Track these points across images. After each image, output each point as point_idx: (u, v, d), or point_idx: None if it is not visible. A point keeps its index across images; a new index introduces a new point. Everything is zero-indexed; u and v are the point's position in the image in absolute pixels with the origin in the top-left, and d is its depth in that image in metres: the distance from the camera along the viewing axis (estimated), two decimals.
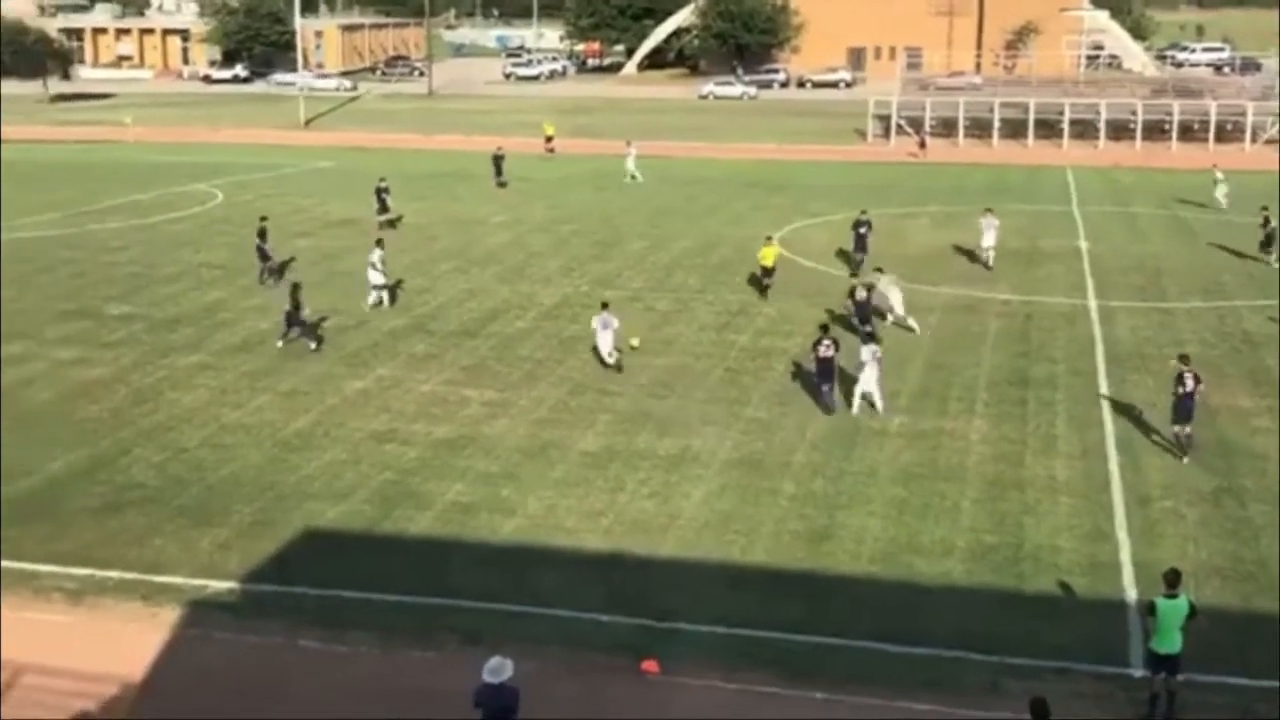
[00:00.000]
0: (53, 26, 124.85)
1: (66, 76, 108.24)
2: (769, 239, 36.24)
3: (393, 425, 24.90)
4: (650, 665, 15.96)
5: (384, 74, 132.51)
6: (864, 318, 30.21)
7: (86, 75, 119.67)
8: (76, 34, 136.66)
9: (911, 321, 31.08)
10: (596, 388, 27.11)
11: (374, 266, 34.03)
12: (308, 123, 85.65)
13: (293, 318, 29.99)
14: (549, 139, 71.16)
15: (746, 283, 36.19)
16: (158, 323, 32.40)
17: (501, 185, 55.97)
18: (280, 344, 29.90)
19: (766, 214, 48.69)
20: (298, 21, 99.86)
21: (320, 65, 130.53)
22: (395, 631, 16.81)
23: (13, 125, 79.63)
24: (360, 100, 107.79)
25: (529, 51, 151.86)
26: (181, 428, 24.71)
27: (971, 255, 40.02)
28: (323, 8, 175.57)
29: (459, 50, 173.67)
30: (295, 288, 30.44)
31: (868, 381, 25.20)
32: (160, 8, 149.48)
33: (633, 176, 58.29)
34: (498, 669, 13.15)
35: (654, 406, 25.99)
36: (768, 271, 34.95)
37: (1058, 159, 66.79)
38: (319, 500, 21.29)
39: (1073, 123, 72.58)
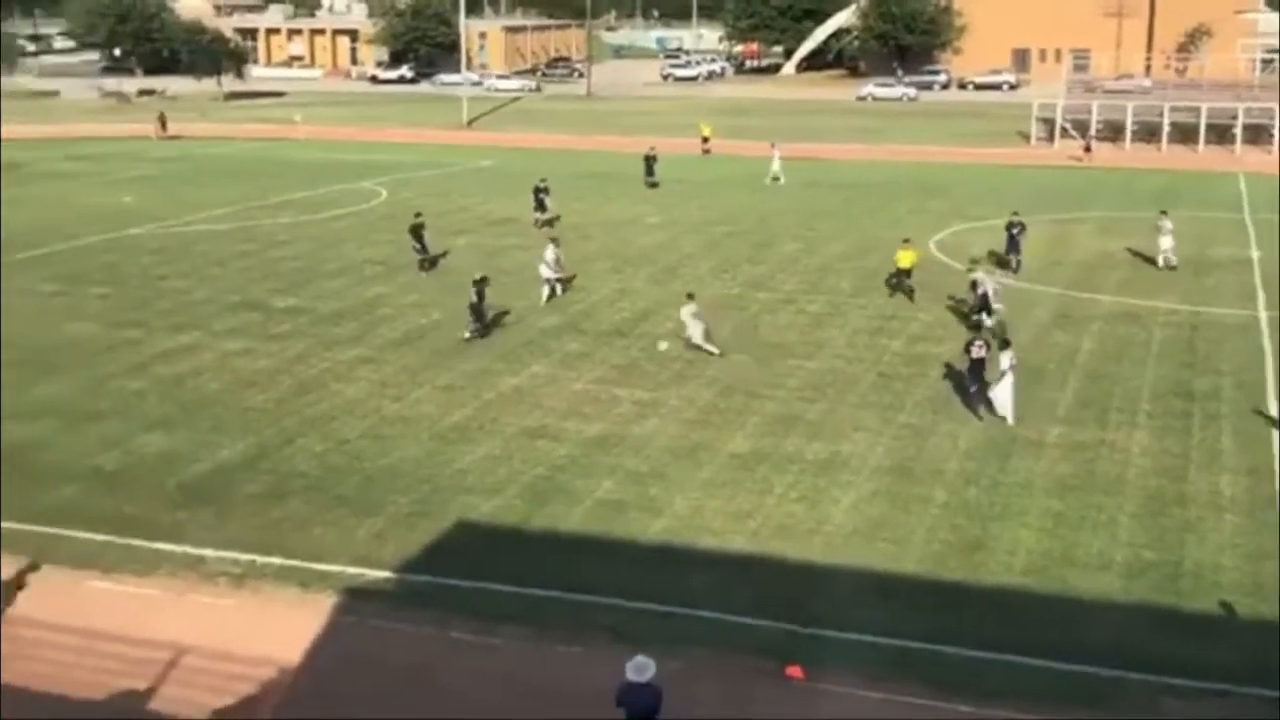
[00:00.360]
0: (228, 26, 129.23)
1: (240, 75, 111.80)
2: (906, 241, 35.85)
3: (545, 422, 25.23)
4: (795, 670, 15.90)
5: (544, 75, 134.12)
6: (984, 308, 31.14)
7: (259, 74, 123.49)
8: (250, 34, 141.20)
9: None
10: (746, 390, 27.08)
11: (546, 263, 34.88)
12: (470, 123, 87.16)
13: (477, 310, 30.78)
14: (705, 140, 71.27)
15: (898, 287, 35.76)
16: (322, 316, 33.33)
17: (652, 185, 56.22)
18: (467, 336, 30.74)
19: (924, 217, 48.05)
20: (462, 23, 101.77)
21: (484, 66, 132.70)
22: (544, 625, 17.04)
23: (189, 122, 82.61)
24: (521, 101, 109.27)
25: (687, 53, 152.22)
26: (343, 419, 25.39)
27: (1138, 262, 38.94)
28: (487, 9, 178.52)
29: (618, 52, 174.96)
30: (482, 280, 31.26)
31: (1003, 390, 24.77)
32: (331, 9, 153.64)
33: (775, 178, 57.97)
34: (642, 668, 13.25)
35: (804, 410, 25.86)
36: (905, 274, 34.69)
37: (1230, 165, 64.55)
38: (473, 494, 21.68)
39: (1246, 128, 70.09)
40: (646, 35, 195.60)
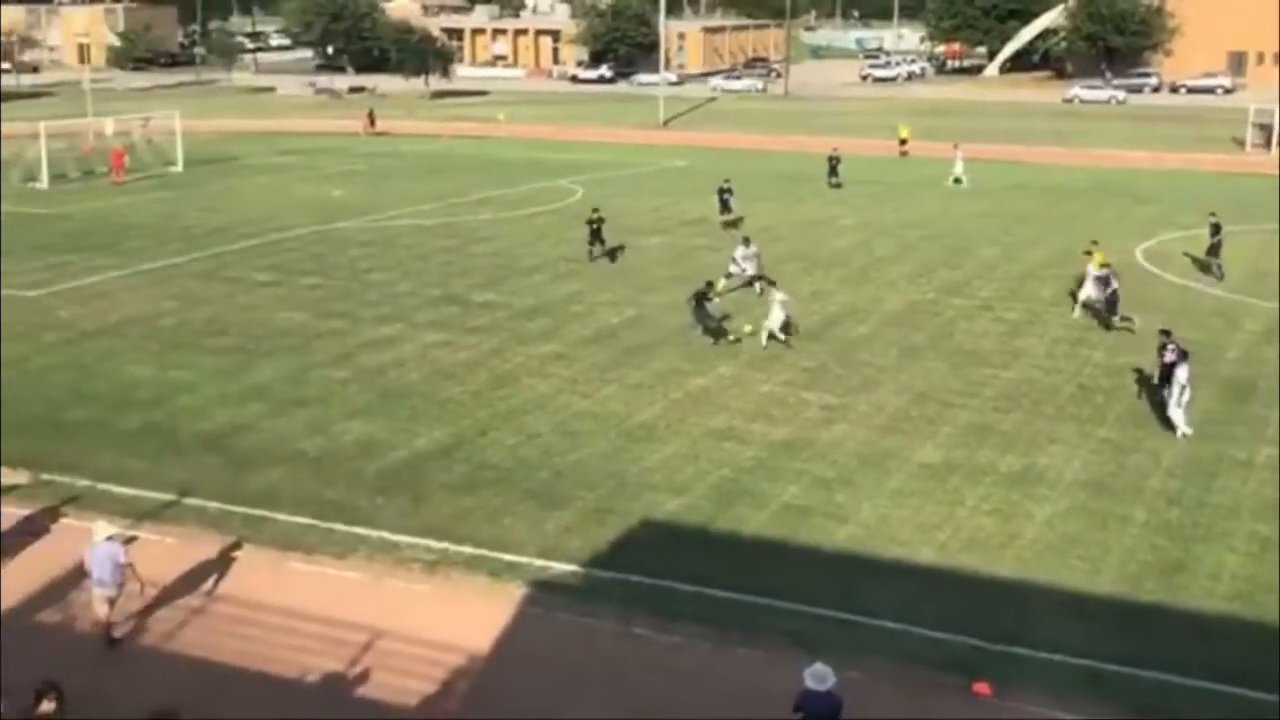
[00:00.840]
0: (435, 26, 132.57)
1: (446, 74, 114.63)
2: (1094, 243, 34.83)
3: (731, 423, 25.25)
4: (982, 687, 15.59)
5: (741, 76, 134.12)
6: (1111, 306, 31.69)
7: (464, 73, 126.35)
8: (457, 34, 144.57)
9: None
10: (939, 399, 26.64)
11: (735, 260, 35.40)
12: (666, 122, 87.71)
13: (700, 311, 30.78)
14: (903, 142, 70.35)
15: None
16: (518, 312, 33.97)
17: (835, 186, 55.75)
18: (698, 332, 30.81)
19: (1130, 224, 46.56)
20: (662, 23, 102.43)
21: (682, 66, 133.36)
22: (724, 626, 17.06)
23: (396, 120, 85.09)
24: (717, 101, 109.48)
25: (887, 53, 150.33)
26: (535, 413, 25.85)
27: None
28: (686, 10, 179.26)
29: (817, 52, 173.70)
30: (708, 286, 31.31)
31: (1178, 401, 24.00)
32: (534, 9, 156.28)
33: (957, 180, 57.02)
34: (822, 676, 13.20)
35: (998, 420, 25.32)
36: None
37: None
38: (658, 492, 21.84)
39: None
40: (845, 35, 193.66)
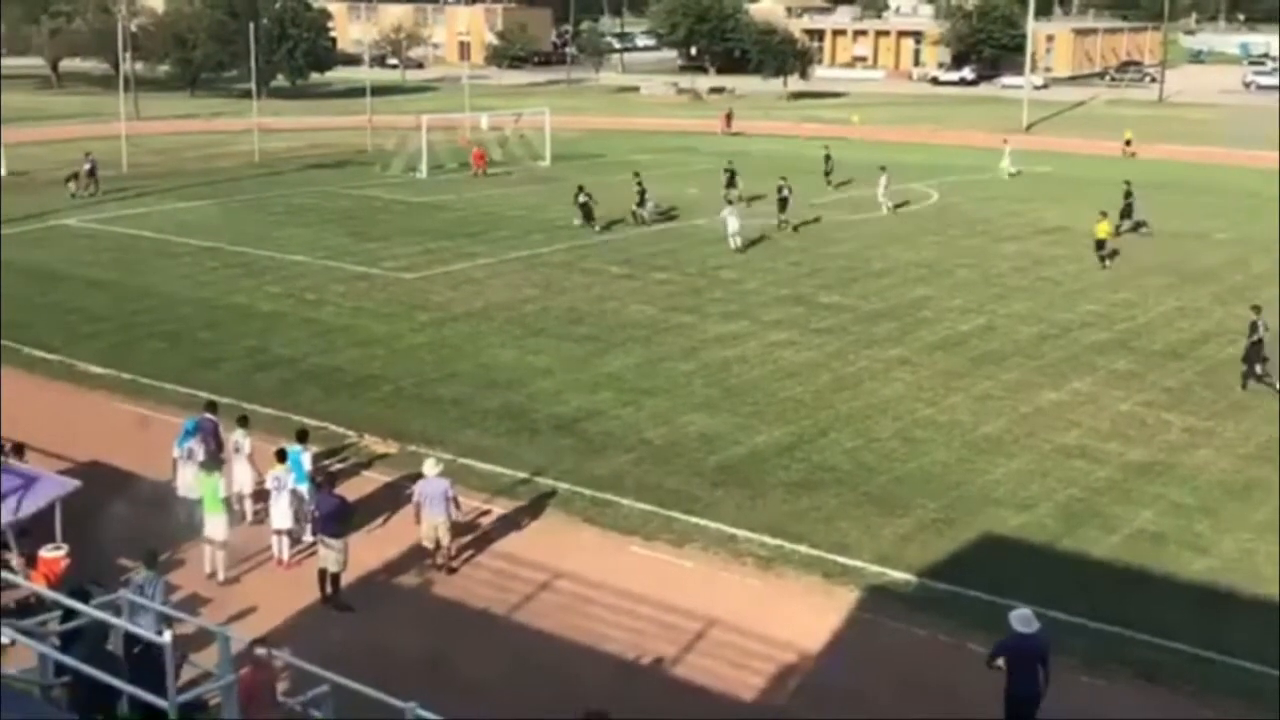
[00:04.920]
0: (797, 27, 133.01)
1: (805, 75, 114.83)
2: None
3: (1084, 441, 24.29)
4: None
5: (1113, 80, 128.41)
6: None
7: (822, 74, 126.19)
8: (818, 35, 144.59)
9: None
10: None
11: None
12: (1029, 127, 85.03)
13: (1253, 357, 27.45)
14: None
15: None
16: (864, 315, 33.75)
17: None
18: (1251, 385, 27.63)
19: None
20: (1029, 25, 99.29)
21: (1048, 70, 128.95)
22: (1065, 652, 16.42)
23: (752, 120, 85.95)
24: (1086, 106, 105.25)
25: (1273, 59, 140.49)
26: (876, 417, 25.63)
27: None
28: (1056, 11, 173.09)
29: (1197, 57, 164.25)
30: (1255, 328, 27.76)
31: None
32: (897, 10, 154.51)
33: (1009, 174, 58.73)
34: (1028, 620, 14.07)
35: None
36: None
37: None
38: (1002, 506, 21.27)
39: None
40: (1229, 40, 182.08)
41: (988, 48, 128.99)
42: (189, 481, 20.07)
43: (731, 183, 51.08)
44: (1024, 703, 14.09)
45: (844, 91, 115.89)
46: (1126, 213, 44.70)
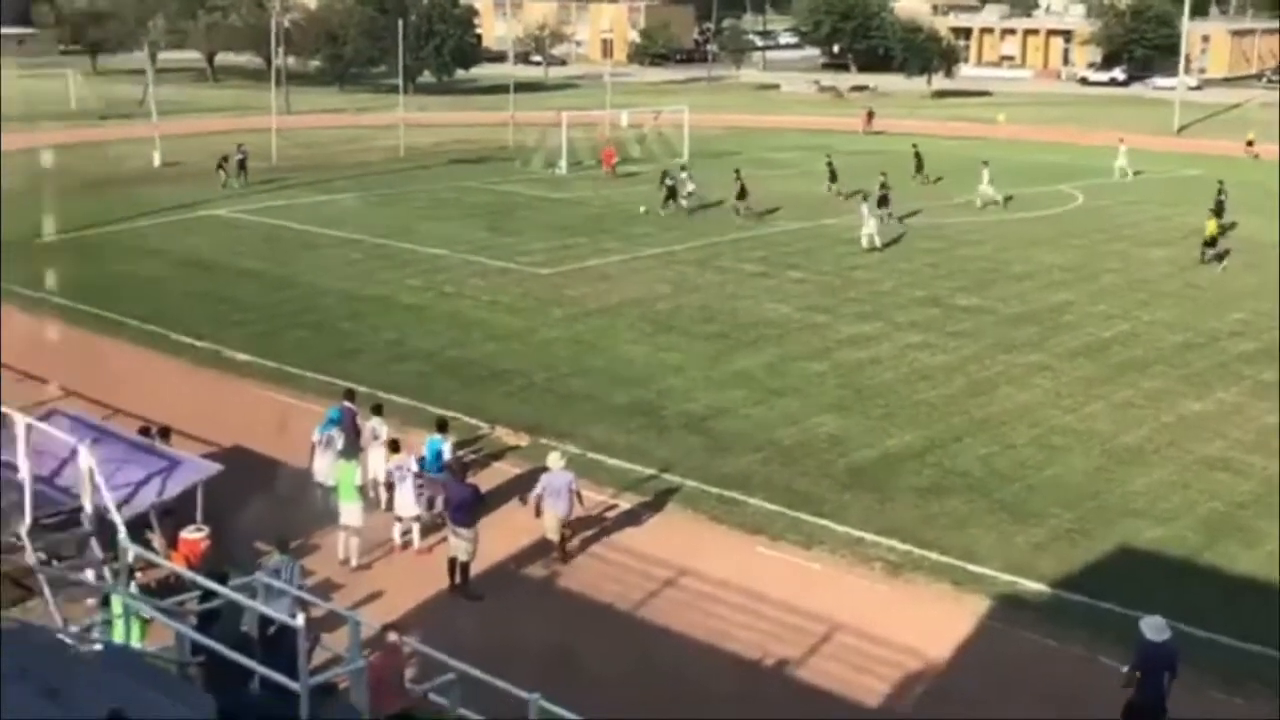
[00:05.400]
0: (943, 25, 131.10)
1: (949, 74, 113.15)
2: None
3: (1228, 453, 23.56)
4: None
5: (1270, 81, 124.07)
6: None
7: (968, 73, 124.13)
8: (964, 33, 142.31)
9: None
10: None
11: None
12: (1180, 129, 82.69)
13: None
14: None
15: None
16: (1002, 318, 33.16)
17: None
18: None
19: None
20: (1184, 25, 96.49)
21: (1203, 71, 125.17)
22: (1202, 669, 15.95)
23: (894, 119, 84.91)
24: (1240, 109, 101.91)
25: None
26: (1012, 424, 25.16)
27: None
28: (1213, 10, 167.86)
29: None
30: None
31: None
32: (1048, 9, 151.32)
33: (1123, 173, 58.56)
34: (1159, 627, 13.95)
35: None
36: None
37: None
38: (1140, 518, 20.75)
39: None
40: None
41: (1140, 48, 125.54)
42: (325, 468, 20.59)
43: (833, 177, 53.05)
44: (1150, 712, 13.88)
45: (989, 91, 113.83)
46: (1218, 211, 43.26)
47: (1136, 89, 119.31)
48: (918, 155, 57.66)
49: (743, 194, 47.46)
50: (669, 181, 48.49)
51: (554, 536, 19.11)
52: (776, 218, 47.37)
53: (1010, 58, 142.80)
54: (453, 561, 18.31)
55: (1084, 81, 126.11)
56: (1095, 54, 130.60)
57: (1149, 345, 30.54)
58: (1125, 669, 14.24)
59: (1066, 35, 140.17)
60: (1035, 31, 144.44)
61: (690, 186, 48.77)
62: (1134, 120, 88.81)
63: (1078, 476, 22.51)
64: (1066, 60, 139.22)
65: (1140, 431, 24.77)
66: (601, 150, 61.89)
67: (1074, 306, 34.46)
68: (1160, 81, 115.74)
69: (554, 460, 19.54)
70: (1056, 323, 32.79)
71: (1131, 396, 26.87)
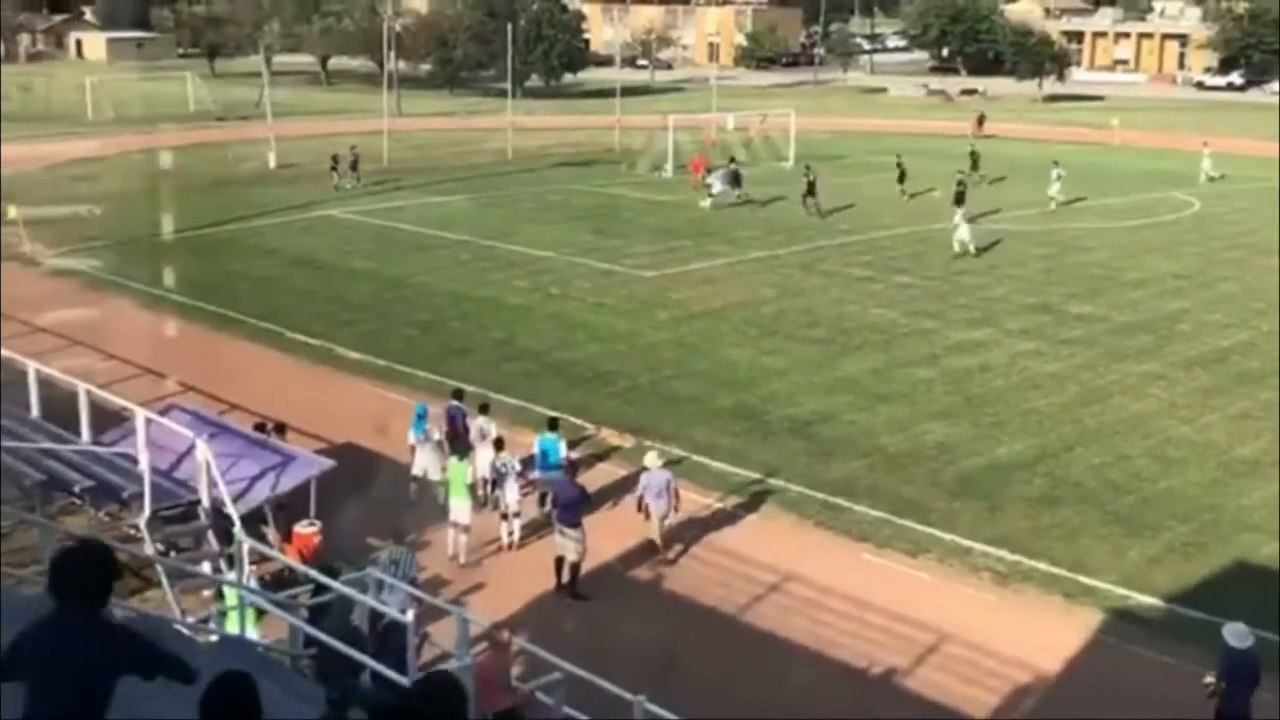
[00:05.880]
0: (1055, 29, 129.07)
1: (1061, 78, 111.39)
2: None
3: None
4: None
5: None
6: None
7: (1080, 77, 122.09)
8: (1077, 37, 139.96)
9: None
10: None
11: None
12: None
13: None
14: None
15: None
16: (1116, 326, 32.53)
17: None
18: None
19: None
20: None
21: None
22: None
23: (1004, 123, 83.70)
24: None
25: None
26: (1126, 434, 24.69)
27: None
28: None
29: None
30: None
31: None
32: (1162, 13, 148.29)
33: (1209, 178, 57.35)
34: (1242, 634, 13.85)
35: None
36: None
37: None
38: (1257, 533, 20.23)
39: None
40: None
41: (1258, 52, 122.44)
42: (426, 463, 20.92)
43: (901, 179, 52.35)
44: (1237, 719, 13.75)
45: (1102, 95, 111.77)
46: None
47: (1255, 94, 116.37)
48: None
49: (811, 191, 47.82)
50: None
51: (657, 537, 19.15)
52: (887, 222, 46.93)
53: (1124, 62, 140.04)
54: (560, 561, 18.42)
55: (1200, 86, 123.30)
56: (1211, 58, 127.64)
57: (1266, 356, 29.75)
58: (1208, 679, 14.04)
59: (1182, 39, 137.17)
60: (1149, 35, 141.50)
61: (739, 188, 50.27)
62: (1252, 125, 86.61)
63: (1193, 489, 22.02)
64: (1182, 65, 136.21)
65: (1257, 444, 24.15)
66: (690, 160, 59.09)
67: (1189, 315, 33.71)
68: (1277, 86, 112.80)
69: (651, 459, 19.74)
70: (1171, 331, 32.11)
71: (1249, 407, 26.21)
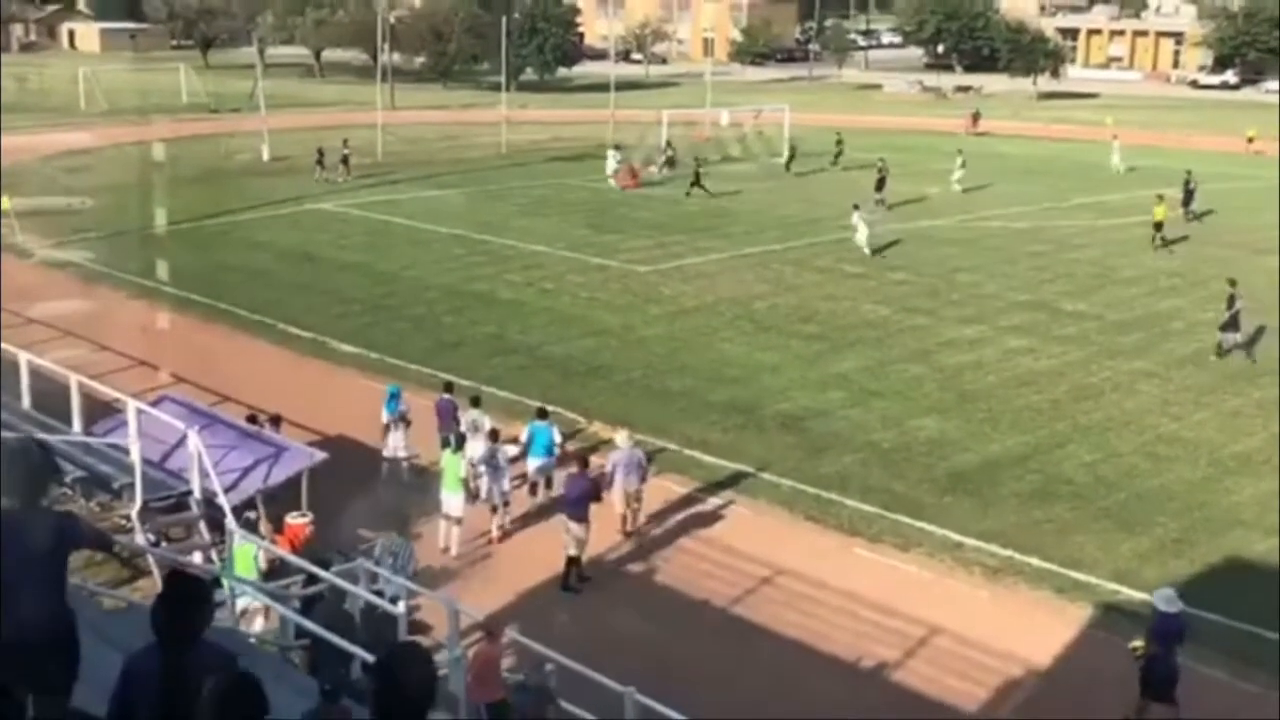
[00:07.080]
0: (1050, 26, 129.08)
1: (1056, 75, 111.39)
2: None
3: None
4: None
5: None
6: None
7: (1075, 75, 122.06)
8: (1071, 34, 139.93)
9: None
10: None
11: None
12: None
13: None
14: None
15: None
16: (1109, 324, 32.57)
17: None
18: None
19: None
20: None
21: None
22: None
23: (998, 120, 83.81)
24: None
25: None
26: (1118, 431, 24.73)
27: None
28: None
29: None
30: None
31: None
32: (1158, 10, 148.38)
33: (1118, 171, 59.27)
34: (1170, 599, 14.54)
35: None
36: None
37: None
38: (1249, 529, 20.29)
39: None
40: None
41: (1253, 51, 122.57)
42: (396, 444, 21.47)
43: (879, 186, 49.65)
44: (1162, 683, 14.29)
45: (1097, 93, 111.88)
46: (1187, 200, 46.25)
47: (1249, 93, 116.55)
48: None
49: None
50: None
51: (621, 508, 19.41)
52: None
53: (1119, 59, 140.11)
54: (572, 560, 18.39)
55: (1195, 85, 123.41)
56: (1206, 56, 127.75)
57: (1261, 354, 29.78)
58: (1134, 643, 14.62)
59: (1177, 37, 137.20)
60: (1144, 33, 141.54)
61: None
62: (1245, 124, 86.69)
63: (1184, 485, 22.07)
64: (1177, 63, 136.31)
65: (1250, 441, 24.21)
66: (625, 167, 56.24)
67: (1182, 313, 33.75)
68: (1274, 85, 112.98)
69: (621, 438, 19.96)
70: (1164, 329, 32.17)
71: (1241, 405, 26.27)
